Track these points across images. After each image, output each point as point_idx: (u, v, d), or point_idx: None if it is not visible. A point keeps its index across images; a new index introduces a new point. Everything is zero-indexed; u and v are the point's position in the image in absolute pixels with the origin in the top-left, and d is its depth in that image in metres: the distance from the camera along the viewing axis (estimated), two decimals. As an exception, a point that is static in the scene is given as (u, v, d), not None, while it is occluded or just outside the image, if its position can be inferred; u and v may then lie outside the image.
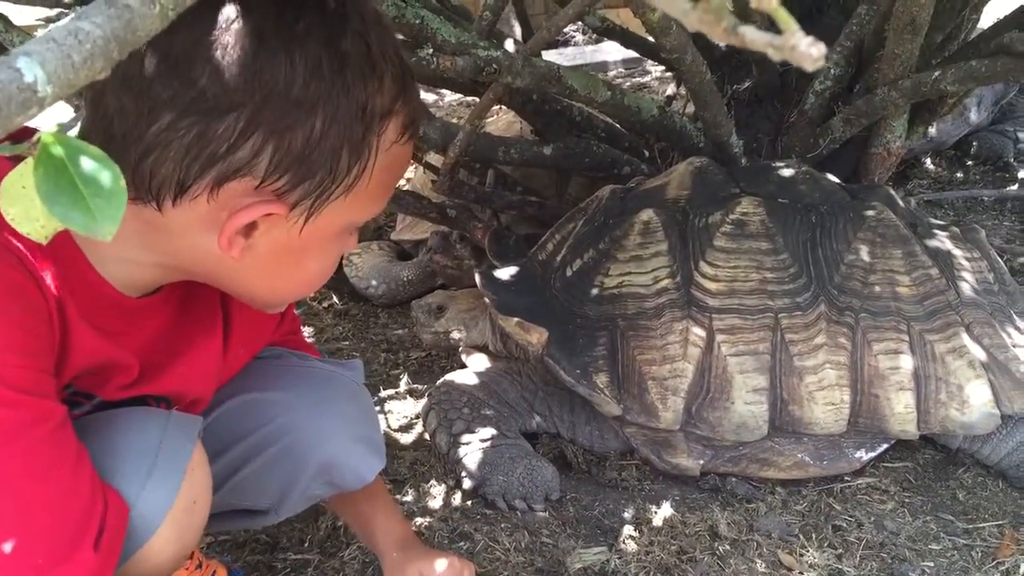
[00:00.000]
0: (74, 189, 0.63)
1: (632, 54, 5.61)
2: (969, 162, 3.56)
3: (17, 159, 0.67)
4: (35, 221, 0.73)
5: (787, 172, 2.07)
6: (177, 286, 1.08)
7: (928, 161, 3.53)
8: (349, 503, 1.48)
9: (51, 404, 0.92)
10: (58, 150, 0.64)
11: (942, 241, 2.00)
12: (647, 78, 5.43)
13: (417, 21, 1.93)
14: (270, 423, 1.29)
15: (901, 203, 2.08)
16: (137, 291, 1.03)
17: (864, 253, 1.87)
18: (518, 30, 4.69)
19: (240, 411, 1.27)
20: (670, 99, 3.08)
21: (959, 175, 3.48)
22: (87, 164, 0.64)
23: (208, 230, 0.92)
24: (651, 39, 2.79)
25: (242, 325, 1.22)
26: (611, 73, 5.65)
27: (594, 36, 6.21)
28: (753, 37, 0.46)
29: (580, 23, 6.01)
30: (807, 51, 0.43)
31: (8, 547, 0.87)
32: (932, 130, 3.28)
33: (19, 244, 0.90)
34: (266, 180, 0.90)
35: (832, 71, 2.34)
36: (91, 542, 0.92)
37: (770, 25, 0.47)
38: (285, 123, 0.88)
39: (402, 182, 3.59)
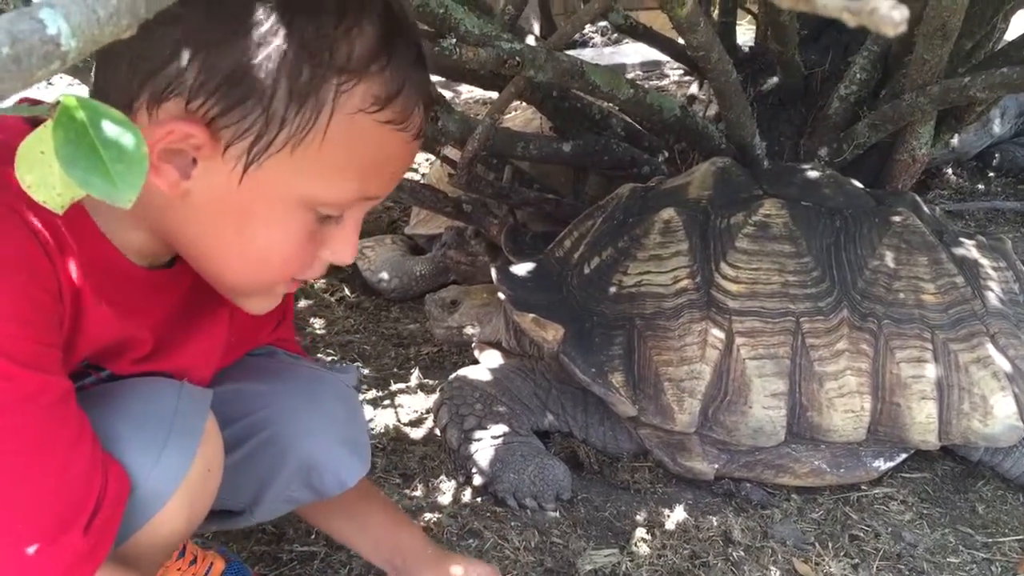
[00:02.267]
0: (94, 153, 0.61)
1: (650, 56, 5.63)
2: (991, 173, 3.52)
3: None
4: (52, 188, 0.71)
5: (811, 175, 2.04)
6: (190, 268, 1.06)
7: (949, 171, 3.49)
8: (342, 514, 1.41)
9: (50, 378, 0.89)
10: (79, 113, 0.61)
11: (968, 250, 1.97)
12: (665, 81, 5.40)
13: (441, 10, 1.90)
14: (254, 414, 1.24)
15: (927, 210, 2.05)
16: (143, 259, 1.01)
17: (889, 259, 1.84)
18: (536, 28, 4.67)
19: (225, 399, 1.21)
20: (691, 99, 3.05)
21: (980, 186, 3.44)
22: (109, 128, 0.61)
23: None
24: (676, 37, 2.77)
25: (243, 315, 1.18)
26: (629, 76, 5.62)
27: (613, 37, 6.20)
28: (825, 2, 0.43)
29: (600, 24, 6.00)
30: (888, 14, 0.40)
31: None
32: (955, 140, 3.25)
33: (36, 220, 0.87)
34: (193, 99, 0.84)
35: (858, 75, 2.31)
36: (82, 524, 0.89)
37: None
38: (216, 37, 0.83)
39: (416, 176, 3.58)
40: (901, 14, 0.41)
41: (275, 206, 0.93)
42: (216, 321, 1.15)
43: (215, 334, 1.16)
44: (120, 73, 0.86)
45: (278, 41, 0.84)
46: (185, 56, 0.84)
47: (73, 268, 0.91)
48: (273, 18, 0.83)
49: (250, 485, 1.26)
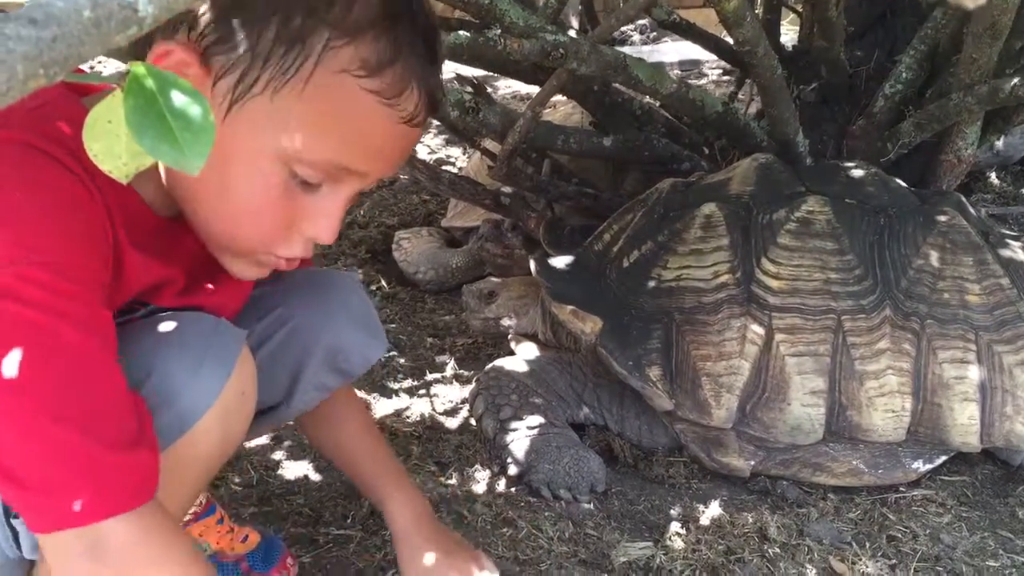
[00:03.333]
0: (163, 122, 0.62)
1: (689, 55, 5.59)
2: (1035, 178, 3.46)
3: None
4: (118, 158, 0.72)
5: (855, 173, 2.02)
6: None
7: (993, 175, 3.44)
8: (346, 446, 1.46)
9: (104, 311, 0.94)
10: (149, 83, 0.62)
11: (1014, 252, 1.94)
12: (703, 81, 5.37)
13: (487, 1, 1.91)
14: (269, 314, 1.28)
15: (972, 211, 2.02)
16: (164, 208, 1.05)
17: (933, 258, 1.82)
18: (575, 23, 4.66)
19: (250, 303, 1.28)
20: (732, 96, 3.03)
21: (1024, 191, 3.38)
22: (178, 98, 0.62)
23: None
24: (718, 34, 2.76)
25: None
26: (667, 74, 5.59)
27: (651, 36, 6.18)
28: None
29: (639, 22, 5.98)
30: (967, -14, 0.40)
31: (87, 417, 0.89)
32: (999, 144, 3.20)
33: (81, 169, 0.91)
34: (194, 28, 0.89)
35: (904, 74, 2.29)
36: (144, 441, 0.94)
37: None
38: None
39: (453, 168, 3.59)
40: (982, -14, 0.41)
41: (252, 154, 0.95)
42: None
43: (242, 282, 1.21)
44: None
45: None
46: None
47: (113, 216, 0.95)
48: None
49: (282, 379, 1.31)
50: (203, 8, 0.89)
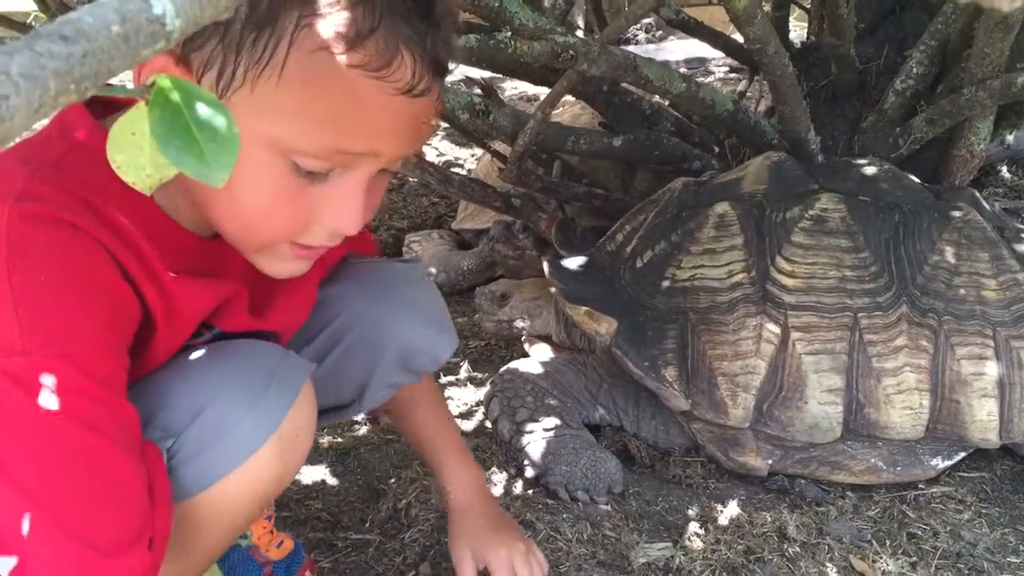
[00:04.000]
0: (188, 133, 0.62)
1: (695, 54, 5.58)
2: (1048, 172, 3.45)
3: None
4: (141, 169, 0.72)
5: (868, 170, 2.01)
6: None
7: (1004, 169, 3.42)
8: (415, 425, 1.48)
9: (125, 402, 0.93)
10: (174, 95, 0.63)
11: (1030, 246, 1.93)
12: (710, 79, 5.36)
13: (496, 4, 1.91)
14: (337, 317, 1.28)
15: (987, 206, 2.01)
16: (207, 229, 1.04)
17: (949, 254, 1.81)
18: (582, 22, 4.66)
19: (315, 309, 1.28)
20: (741, 96, 3.03)
21: (1036, 184, 3.37)
22: (203, 109, 0.63)
23: None
24: (726, 32, 2.75)
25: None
26: (673, 72, 5.59)
27: (657, 35, 6.17)
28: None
29: (645, 21, 5.97)
30: (1004, -12, 0.40)
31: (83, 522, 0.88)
32: (1010, 138, 3.18)
33: (103, 226, 0.91)
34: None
35: (914, 70, 2.28)
36: (146, 541, 0.92)
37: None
38: None
39: (462, 170, 3.59)
40: (1018, -13, 0.41)
41: (248, 149, 0.86)
42: (306, 280, 1.18)
43: (306, 292, 1.21)
44: None
45: None
46: None
47: (142, 258, 0.95)
48: None
49: (353, 381, 1.32)
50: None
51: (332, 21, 0.85)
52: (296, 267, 1.05)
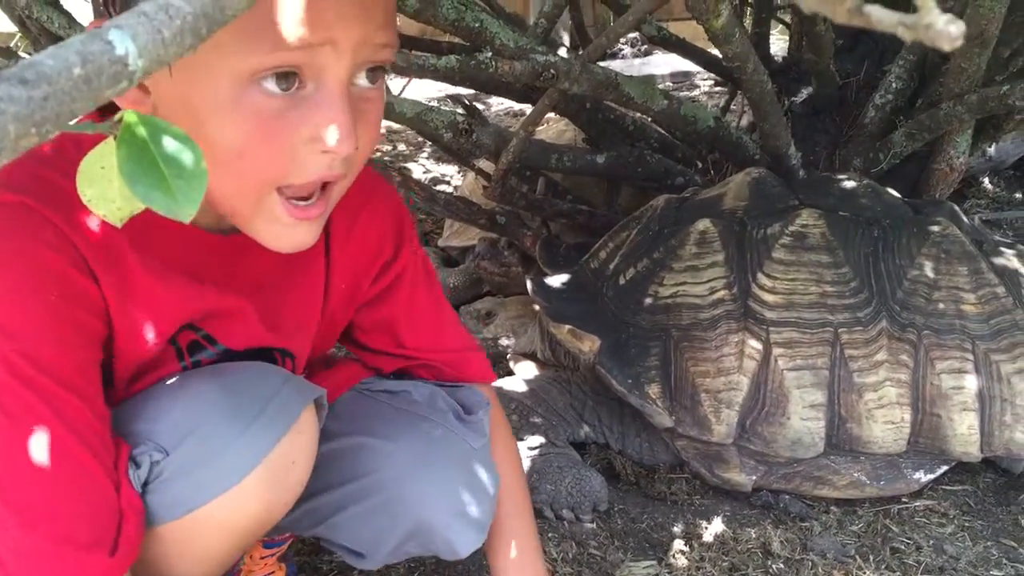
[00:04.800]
0: (156, 169, 0.63)
1: (680, 67, 5.62)
2: (1029, 182, 3.47)
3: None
4: (111, 203, 0.73)
5: (848, 185, 2.03)
6: None
7: (986, 180, 3.45)
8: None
9: (85, 401, 0.92)
10: (141, 130, 0.63)
11: (1009, 259, 1.95)
12: (695, 92, 5.39)
13: (477, 24, 1.93)
14: (371, 474, 1.21)
15: (966, 219, 2.03)
16: (220, 223, 1.00)
17: (928, 269, 1.83)
18: (566, 40, 4.69)
19: (344, 453, 1.21)
20: (724, 111, 3.05)
21: (1018, 195, 3.39)
22: (169, 144, 0.63)
23: None
24: (708, 49, 2.77)
25: (342, 271, 1.18)
26: (659, 87, 5.62)
27: (643, 49, 6.21)
28: (880, 16, 0.43)
29: (630, 36, 6.01)
30: (945, 29, 0.41)
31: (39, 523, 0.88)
32: (991, 149, 3.21)
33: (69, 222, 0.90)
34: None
35: (893, 84, 2.30)
36: (108, 546, 0.91)
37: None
38: None
39: (448, 187, 3.60)
40: (958, 28, 0.42)
41: (208, 87, 0.83)
42: (310, 286, 1.15)
43: (310, 293, 1.16)
44: None
45: None
46: None
47: (115, 258, 0.93)
48: None
49: (366, 538, 1.25)
50: None
51: None
52: (301, 235, 0.95)
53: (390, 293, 1.26)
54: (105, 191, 0.72)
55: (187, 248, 1.00)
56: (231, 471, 0.98)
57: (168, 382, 1.03)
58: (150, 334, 1.00)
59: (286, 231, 0.94)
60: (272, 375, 1.05)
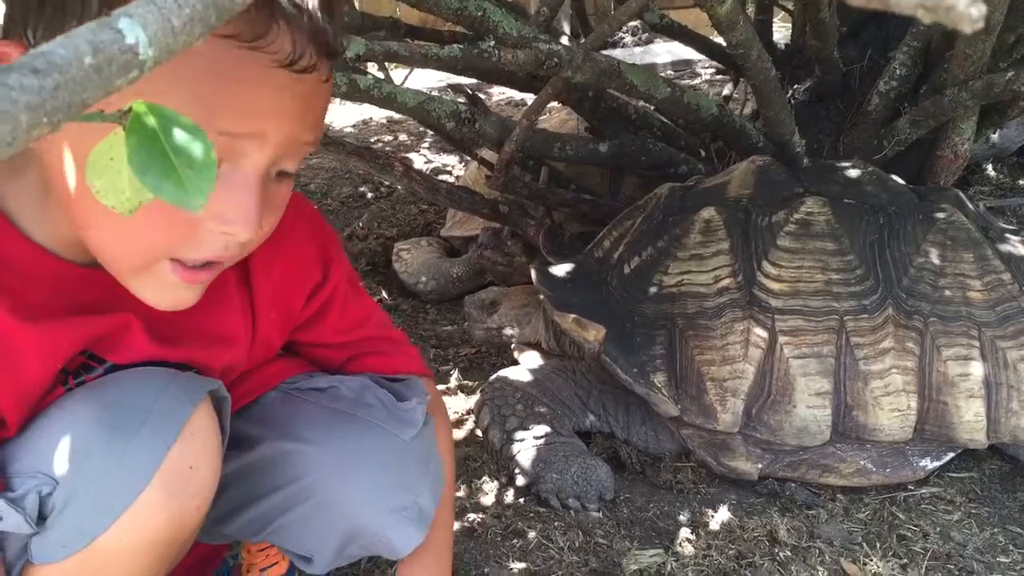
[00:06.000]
0: (166, 160, 0.62)
1: (681, 56, 5.60)
2: (1032, 169, 3.47)
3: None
4: (121, 193, 0.72)
5: (853, 172, 2.02)
6: None
7: (990, 167, 3.44)
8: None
9: None
10: (151, 120, 0.63)
11: (1014, 246, 1.94)
12: (697, 80, 5.38)
13: (479, 13, 1.92)
14: (299, 480, 1.18)
15: (971, 206, 2.02)
16: (80, 255, 0.96)
17: (934, 256, 1.82)
18: (567, 28, 4.67)
19: (273, 460, 1.19)
20: (727, 99, 3.04)
21: (1022, 182, 3.39)
22: (179, 135, 0.63)
23: None
24: (710, 36, 2.76)
25: (266, 300, 1.16)
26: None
27: (644, 38, 6.18)
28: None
29: (631, 24, 5.99)
30: (966, 11, 0.40)
31: None
32: (995, 136, 3.21)
33: None
34: (26, 25, 0.82)
35: (898, 71, 2.29)
36: None
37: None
38: None
39: (450, 177, 3.59)
40: (979, 10, 0.41)
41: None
42: (225, 310, 1.11)
43: (228, 323, 1.12)
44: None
45: None
46: None
47: None
48: None
49: (308, 542, 1.23)
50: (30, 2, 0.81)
51: None
52: (183, 295, 0.95)
53: (323, 314, 1.27)
54: (115, 182, 0.71)
55: (59, 286, 0.96)
56: (124, 489, 0.94)
57: (48, 409, 0.98)
58: (34, 375, 0.96)
59: (169, 291, 0.94)
60: (152, 380, 0.99)
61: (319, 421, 1.21)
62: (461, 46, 1.90)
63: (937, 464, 1.82)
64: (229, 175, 0.86)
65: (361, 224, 3.25)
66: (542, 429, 1.88)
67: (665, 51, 5.80)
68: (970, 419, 1.74)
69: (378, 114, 4.95)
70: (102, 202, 0.73)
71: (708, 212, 1.91)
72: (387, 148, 4.32)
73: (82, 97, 0.51)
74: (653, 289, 1.89)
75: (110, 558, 0.96)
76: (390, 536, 1.20)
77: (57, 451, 0.93)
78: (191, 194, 0.62)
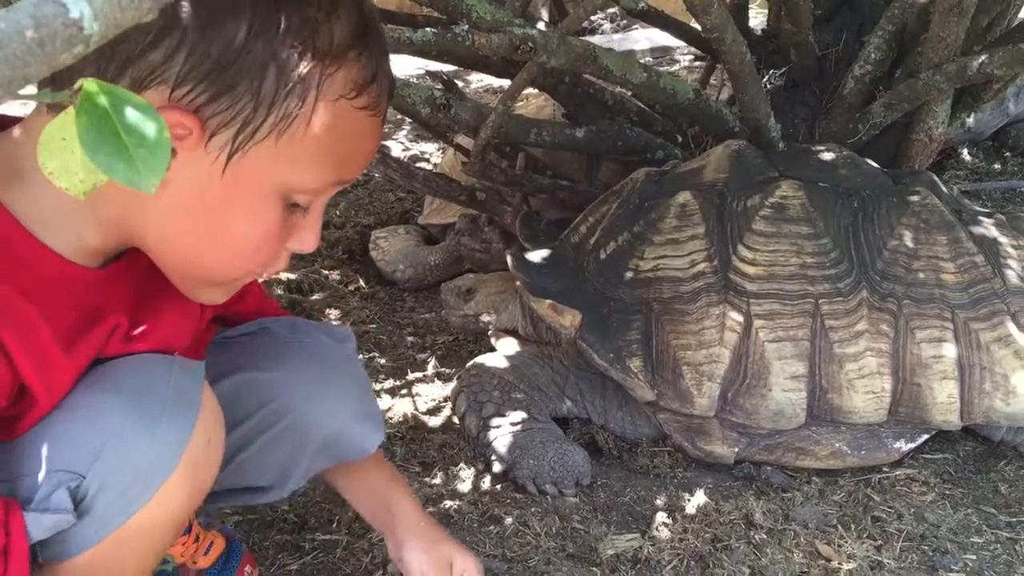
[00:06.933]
0: (117, 139, 0.61)
1: (660, 43, 5.59)
2: (1007, 153, 3.49)
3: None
4: (74, 175, 0.71)
5: (827, 156, 2.03)
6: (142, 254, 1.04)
7: (965, 152, 3.46)
8: (353, 478, 1.41)
9: None
10: (102, 99, 0.61)
11: (988, 228, 1.95)
12: (675, 67, 5.37)
13: (453, -3, 1.90)
14: (267, 404, 1.25)
15: (945, 190, 2.03)
16: (96, 259, 1.00)
17: (908, 239, 1.83)
18: (545, 15, 4.65)
19: (236, 392, 1.23)
20: (704, 82, 3.03)
21: (997, 166, 3.41)
22: (131, 114, 0.61)
23: None
24: (688, 21, 2.76)
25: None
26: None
27: (622, 24, 6.17)
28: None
29: (609, 10, 5.97)
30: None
31: None
32: (970, 120, 3.22)
33: None
34: (178, 87, 0.84)
35: (872, 55, 2.29)
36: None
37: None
38: (203, 23, 0.83)
39: (429, 165, 3.57)
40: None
41: (253, 196, 0.94)
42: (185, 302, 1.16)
43: (189, 309, 1.16)
44: (90, 56, 0.87)
45: (268, 26, 0.84)
46: (171, 42, 0.83)
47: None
48: (260, 3, 0.84)
49: (275, 468, 1.29)
50: (179, 61, 0.84)
51: (348, 71, 0.91)
52: (223, 296, 1.10)
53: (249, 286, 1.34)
54: (67, 163, 0.70)
55: (75, 293, 0.99)
56: (155, 472, 0.99)
57: (61, 405, 1.01)
58: (64, 391, 1.00)
59: (225, 294, 1.10)
60: (156, 365, 1.05)
61: (271, 352, 1.29)
62: (434, 30, 1.88)
63: (911, 446, 1.84)
64: (315, 208, 1.01)
65: (338, 212, 3.23)
66: (519, 415, 1.87)
67: (644, 38, 5.79)
68: (944, 400, 1.75)
69: (356, 102, 4.91)
70: (56, 184, 0.71)
71: (683, 196, 1.90)
72: (365, 136, 4.29)
73: (24, 72, 0.50)
74: (629, 274, 1.89)
75: (139, 535, 1.01)
76: (361, 439, 1.32)
77: (83, 443, 0.97)
78: (143, 174, 0.61)
